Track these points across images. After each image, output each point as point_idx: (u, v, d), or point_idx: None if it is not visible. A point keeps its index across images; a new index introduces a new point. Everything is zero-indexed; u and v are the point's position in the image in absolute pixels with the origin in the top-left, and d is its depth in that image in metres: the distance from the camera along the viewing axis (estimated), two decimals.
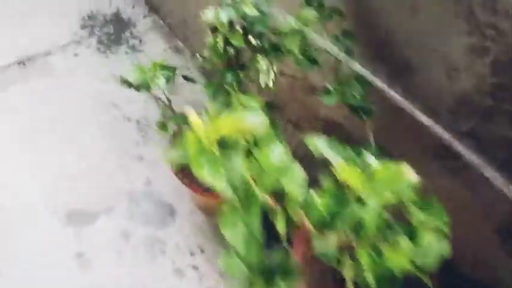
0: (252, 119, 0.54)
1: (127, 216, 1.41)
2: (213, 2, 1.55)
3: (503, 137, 0.88)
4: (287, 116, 1.47)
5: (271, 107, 1.18)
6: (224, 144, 0.55)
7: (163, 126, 1.16)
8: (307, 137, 0.61)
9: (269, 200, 0.61)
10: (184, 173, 1.22)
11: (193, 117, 0.54)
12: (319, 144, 0.60)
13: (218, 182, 0.53)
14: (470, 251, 1.10)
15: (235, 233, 0.65)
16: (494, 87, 0.85)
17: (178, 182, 1.27)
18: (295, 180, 0.59)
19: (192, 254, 1.37)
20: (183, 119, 1.16)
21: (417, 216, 0.63)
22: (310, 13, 0.86)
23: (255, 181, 0.60)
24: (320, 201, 0.55)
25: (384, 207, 0.66)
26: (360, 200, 0.56)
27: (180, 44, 1.90)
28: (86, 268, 1.31)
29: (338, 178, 0.57)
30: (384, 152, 0.98)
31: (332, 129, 1.35)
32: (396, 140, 1.12)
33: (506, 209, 0.95)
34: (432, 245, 0.69)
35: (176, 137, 1.23)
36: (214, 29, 0.92)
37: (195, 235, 1.41)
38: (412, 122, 1.06)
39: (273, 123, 1.02)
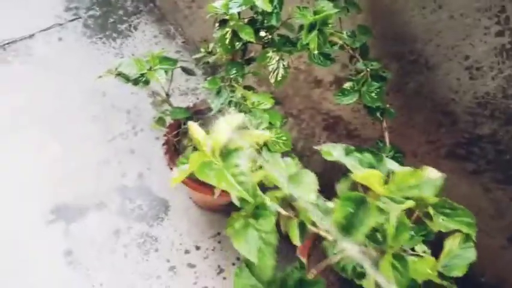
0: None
1: (118, 212, 1.34)
2: None
3: None
4: (288, 108, 1.41)
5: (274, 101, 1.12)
6: (228, 153, 0.50)
7: (160, 120, 1.08)
8: (323, 147, 0.56)
9: (280, 209, 0.57)
10: None
11: (197, 130, 0.49)
12: (335, 153, 0.54)
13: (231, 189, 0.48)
14: (484, 259, 1.08)
15: (249, 246, 0.60)
16: None
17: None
18: (308, 187, 0.54)
19: (186, 251, 1.32)
20: (183, 113, 1.09)
21: (444, 221, 0.58)
22: (328, 6, 0.79)
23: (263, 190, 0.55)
24: (336, 206, 0.50)
25: (406, 213, 0.62)
26: (380, 206, 0.52)
27: (172, 29, 1.81)
28: (75, 266, 1.24)
29: (357, 183, 0.52)
30: (398, 151, 0.93)
31: (334, 124, 1.30)
32: (407, 138, 1.08)
33: None
34: (460, 254, 0.66)
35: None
36: (223, 21, 0.84)
37: (190, 231, 1.35)
38: (426, 121, 1.02)
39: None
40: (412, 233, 0.78)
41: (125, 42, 1.73)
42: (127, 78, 0.94)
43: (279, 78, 0.90)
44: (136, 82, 0.94)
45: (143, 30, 1.77)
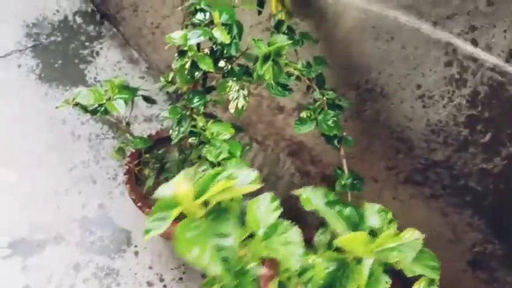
0: (243, 179, 0.47)
1: (78, 245, 1.29)
2: (169, 13, 1.47)
3: (478, 168, 0.87)
4: (252, 134, 1.41)
5: (236, 130, 1.12)
6: (213, 211, 0.48)
7: (120, 151, 1.06)
8: (302, 190, 0.55)
9: (262, 270, 0.55)
10: (144, 201, 1.13)
11: (179, 186, 0.47)
12: (315, 202, 0.54)
13: (212, 266, 0.46)
14: (446, 283, 1.09)
15: None
16: (471, 119, 0.83)
17: (135, 206, 1.18)
18: (288, 248, 0.53)
19: (150, 284, 1.28)
20: (143, 142, 1.07)
21: (412, 268, 0.59)
22: (282, 38, 0.81)
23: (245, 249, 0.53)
24: (316, 266, 0.49)
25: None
26: (359, 264, 0.51)
27: (135, 54, 1.80)
28: None
29: (337, 244, 0.51)
30: (358, 178, 0.95)
31: (298, 150, 1.31)
32: (367, 164, 1.10)
33: (478, 239, 0.95)
34: None
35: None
36: (182, 52, 0.84)
37: (154, 263, 1.31)
38: (385, 147, 1.04)
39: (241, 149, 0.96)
40: None
41: (87, 67, 1.70)
42: (85, 109, 0.92)
43: (239, 108, 0.90)
44: (94, 112, 0.92)
45: (105, 56, 1.75)
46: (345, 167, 0.91)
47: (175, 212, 0.47)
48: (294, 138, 1.28)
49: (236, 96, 0.90)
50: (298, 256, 0.51)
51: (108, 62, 1.74)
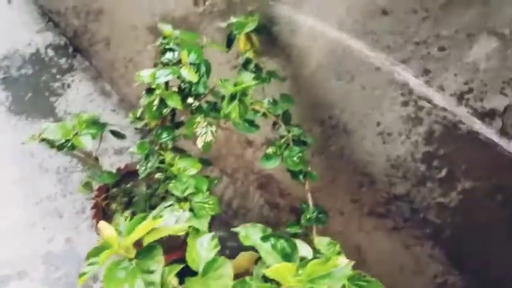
0: (170, 222, 0.51)
1: (42, 281, 1.26)
2: (141, 48, 1.50)
3: (436, 202, 0.91)
4: (223, 167, 1.43)
5: (204, 163, 1.13)
6: (142, 251, 0.51)
7: (87, 185, 1.06)
8: (241, 227, 0.57)
9: None
10: None
11: (105, 230, 0.49)
12: (253, 238, 0.56)
13: None
14: None
15: None
16: (427, 156, 0.88)
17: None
18: (221, 281, 0.55)
19: None
20: (111, 177, 1.07)
21: None
22: (248, 78, 0.84)
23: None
24: None
25: None
26: None
27: (107, 86, 1.81)
28: None
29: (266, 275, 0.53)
30: (323, 212, 0.97)
31: (266, 183, 1.33)
32: (332, 197, 1.13)
33: (439, 270, 0.98)
34: None
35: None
36: (150, 90, 0.86)
37: None
38: (349, 181, 1.07)
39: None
40: None
41: (58, 100, 1.70)
42: (51, 144, 0.92)
43: (206, 143, 0.92)
44: (60, 148, 0.92)
45: (77, 88, 1.76)
46: (310, 201, 0.94)
47: (104, 256, 0.49)
48: (263, 171, 1.31)
49: (204, 131, 0.92)
50: None
51: (79, 95, 1.74)
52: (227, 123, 1.38)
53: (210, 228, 1.14)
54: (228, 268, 0.58)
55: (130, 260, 0.52)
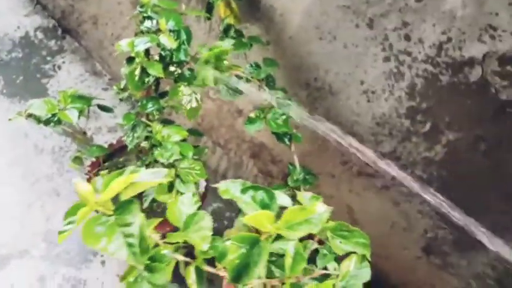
0: (144, 177, 0.51)
1: (43, 258, 1.29)
2: (127, 24, 1.49)
3: (422, 157, 0.91)
4: (216, 138, 1.44)
5: (194, 134, 1.14)
6: (120, 207, 0.52)
7: (77, 159, 1.07)
8: (222, 182, 0.58)
9: (177, 256, 0.58)
10: None
11: (80, 187, 0.50)
12: (232, 191, 0.57)
13: (119, 251, 0.49)
14: (403, 271, 1.13)
15: None
16: (411, 111, 0.88)
17: None
18: (200, 233, 0.57)
19: None
20: (99, 151, 1.08)
21: (341, 244, 0.62)
22: (224, 43, 0.84)
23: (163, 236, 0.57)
24: (230, 247, 0.52)
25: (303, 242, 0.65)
26: (274, 241, 0.55)
27: (98, 66, 1.80)
28: None
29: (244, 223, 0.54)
30: (310, 173, 0.98)
31: (259, 151, 1.34)
32: (323, 161, 1.13)
33: (429, 225, 0.99)
34: (356, 274, 0.69)
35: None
36: (130, 59, 0.86)
37: (121, 270, 1.31)
38: (337, 143, 1.07)
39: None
40: (325, 251, 0.81)
41: (49, 82, 1.70)
42: (38, 119, 0.93)
43: (192, 112, 0.92)
44: (47, 122, 0.93)
45: (68, 70, 1.75)
46: (296, 163, 0.94)
47: (82, 213, 0.50)
48: (255, 140, 1.31)
49: (189, 100, 0.93)
50: (207, 239, 0.55)
51: (70, 76, 1.74)
52: (217, 93, 1.38)
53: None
54: (207, 221, 0.59)
55: (109, 216, 0.53)
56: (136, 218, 0.52)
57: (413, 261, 1.07)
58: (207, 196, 1.20)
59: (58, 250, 1.30)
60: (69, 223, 0.52)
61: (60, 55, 1.80)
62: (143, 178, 0.55)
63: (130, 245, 0.53)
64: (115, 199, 0.56)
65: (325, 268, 0.79)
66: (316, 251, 0.80)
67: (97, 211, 0.54)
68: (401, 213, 1.03)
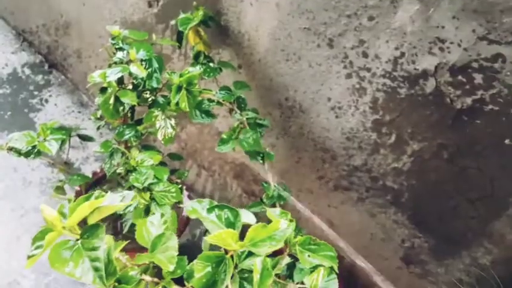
0: (111, 200, 0.54)
1: None
2: (107, 55, 1.53)
3: (391, 168, 0.94)
4: (200, 161, 1.46)
5: (174, 158, 1.17)
6: (87, 231, 0.54)
7: (59, 189, 1.10)
8: (189, 204, 0.61)
9: (145, 277, 0.60)
10: None
11: (47, 212, 0.52)
12: (199, 211, 0.59)
13: (86, 275, 0.52)
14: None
15: None
16: (376, 124, 0.91)
17: None
18: (167, 253, 0.59)
19: None
20: (81, 180, 1.11)
21: (309, 258, 0.64)
22: (193, 69, 0.88)
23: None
24: (197, 268, 0.54)
25: (277, 258, 0.67)
26: (246, 258, 0.57)
27: (85, 97, 1.85)
28: None
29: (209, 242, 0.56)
30: (285, 190, 1.00)
31: (241, 171, 1.36)
32: (300, 177, 1.16)
33: (405, 234, 1.01)
34: (325, 286, 0.71)
35: None
36: (103, 89, 0.90)
37: None
38: (312, 159, 1.10)
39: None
40: (301, 266, 0.83)
41: (37, 115, 1.74)
42: (18, 152, 0.96)
43: (167, 137, 0.96)
44: (27, 155, 0.96)
45: (55, 102, 1.80)
46: (271, 180, 0.97)
47: (49, 237, 0.52)
48: (236, 160, 1.34)
49: (163, 125, 0.96)
50: (173, 259, 0.57)
51: (58, 108, 1.78)
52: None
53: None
54: (173, 241, 0.61)
55: (76, 240, 0.55)
56: (102, 242, 0.54)
57: (395, 272, 1.09)
58: (191, 219, 1.22)
59: (48, 280, 1.31)
60: (37, 247, 0.54)
61: (47, 89, 1.85)
62: (110, 202, 0.58)
63: (96, 269, 0.55)
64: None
65: (302, 283, 0.81)
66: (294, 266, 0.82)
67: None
68: (378, 225, 1.05)
